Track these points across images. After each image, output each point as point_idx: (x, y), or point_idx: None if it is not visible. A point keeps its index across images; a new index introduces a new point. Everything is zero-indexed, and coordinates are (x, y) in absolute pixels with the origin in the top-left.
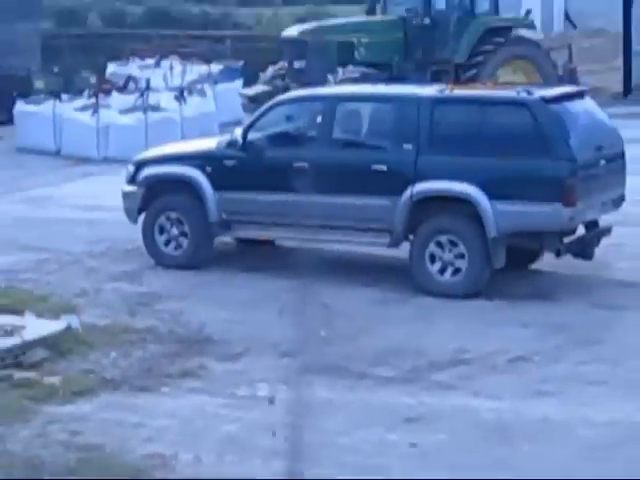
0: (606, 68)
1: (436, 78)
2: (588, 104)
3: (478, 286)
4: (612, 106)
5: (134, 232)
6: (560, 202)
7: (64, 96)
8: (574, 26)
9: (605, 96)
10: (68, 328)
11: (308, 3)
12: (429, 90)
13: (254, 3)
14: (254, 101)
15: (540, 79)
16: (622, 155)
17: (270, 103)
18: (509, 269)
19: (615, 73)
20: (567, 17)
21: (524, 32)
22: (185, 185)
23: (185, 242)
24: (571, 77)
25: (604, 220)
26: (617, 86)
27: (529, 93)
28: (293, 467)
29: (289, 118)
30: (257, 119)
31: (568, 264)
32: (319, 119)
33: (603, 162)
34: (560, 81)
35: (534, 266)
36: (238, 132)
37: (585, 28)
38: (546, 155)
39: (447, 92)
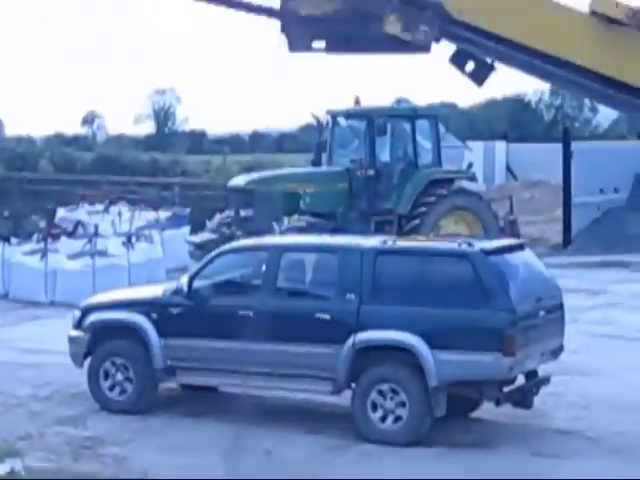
0: (546, 219)
1: (380, 229)
2: (528, 256)
3: (419, 434)
4: (552, 256)
5: (80, 376)
6: (500, 352)
7: (13, 240)
8: (515, 178)
9: (545, 246)
10: (11, 472)
11: (256, 152)
12: (372, 241)
13: (203, 151)
14: (201, 248)
15: (481, 230)
16: (561, 306)
17: (216, 251)
18: (450, 417)
19: (555, 224)
20: (508, 169)
21: (466, 184)
22: (130, 331)
23: (130, 387)
24: (512, 228)
25: (543, 369)
26: (557, 237)
27: (470, 245)
28: None
29: (235, 266)
30: (203, 267)
31: (508, 412)
32: (264, 268)
33: (542, 313)
34: (501, 232)
35: (474, 414)
36: (184, 280)
37: (526, 180)
38: (486, 306)
39: (390, 243)
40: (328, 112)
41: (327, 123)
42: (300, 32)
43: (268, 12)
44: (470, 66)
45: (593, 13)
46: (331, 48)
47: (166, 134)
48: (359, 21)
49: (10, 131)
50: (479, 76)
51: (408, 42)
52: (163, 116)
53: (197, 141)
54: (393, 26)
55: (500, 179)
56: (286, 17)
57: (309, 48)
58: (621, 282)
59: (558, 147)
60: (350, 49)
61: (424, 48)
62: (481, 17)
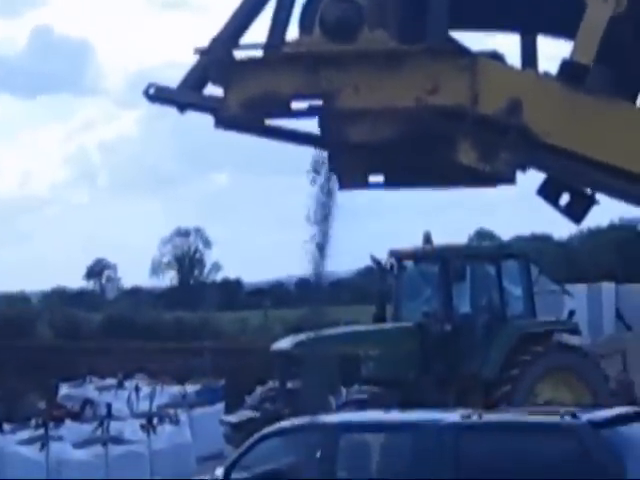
0: None
1: (461, 399)
2: None
3: None
4: None
5: None
6: None
7: (6, 426)
8: (628, 327)
9: None
10: None
11: (304, 305)
12: (453, 415)
13: (238, 306)
14: (239, 430)
15: (589, 396)
16: None
17: (259, 435)
18: None
19: None
20: (619, 316)
21: (567, 338)
22: None
23: None
24: (627, 392)
25: None
26: None
27: (575, 416)
28: None
29: (282, 453)
30: (243, 454)
31: None
32: (318, 454)
33: None
34: (614, 397)
35: None
36: (219, 472)
37: None
38: None
39: (475, 417)
40: (392, 253)
41: (391, 267)
42: (352, 164)
43: (314, 141)
44: (565, 198)
45: None
46: (391, 183)
47: (192, 286)
48: (425, 149)
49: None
50: (576, 211)
51: (487, 173)
52: (188, 264)
53: (231, 294)
54: (467, 155)
55: (609, 329)
56: (335, 147)
57: (365, 184)
58: None
59: None
60: (415, 183)
61: (507, 179)
62: (574, 139)
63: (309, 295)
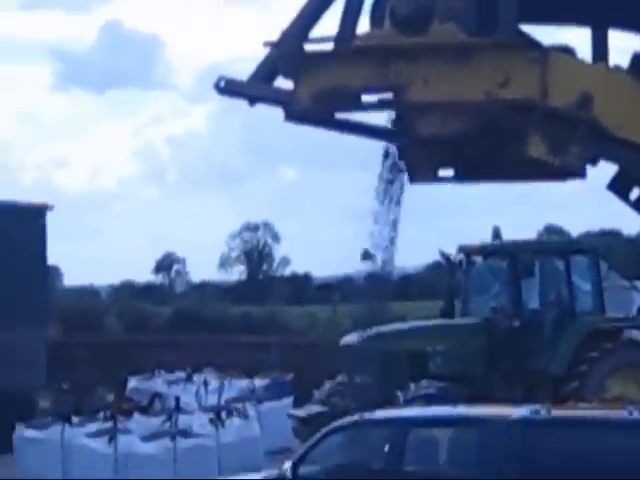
0: None
1: (529, 394)
2: None
3: None
4: None
5: None
6: None
7: (74, 419)
8: None
9: None
10: None
11: (373, 299)
12: (521, 410)
13: (307, 300)
14: (307, 424)
15: None
16: None
17: (327, 429)
18: None
19: None
20: None
21: (636, 334)
22: None
23: None
24: None
25: None
26: None
27: None
28: None
29: (350, 447)
30: (311, 448)
31: None
32: (387, 448)
33: None
34: None
35: None
36: (287, 466)
37: None
38: None
39: (543, 413)
40: (460, 249)
41: (460, 262)
42: (422, 158)
43: (385, 135)
44: (635, 193)
45: None
46: (461, 176)
47: (260, 280)
48: (494, 142)
49: (70, 280)
50: None
51: (556, 166)
52: (256, 258)
53: (300, 288)
54: (537, 148)
55: None
56: (405, 140)
57: (435, 178)
58: None
59: None
60: (484, 177)
61: (577, 173)
62: None
63: (377, 290)
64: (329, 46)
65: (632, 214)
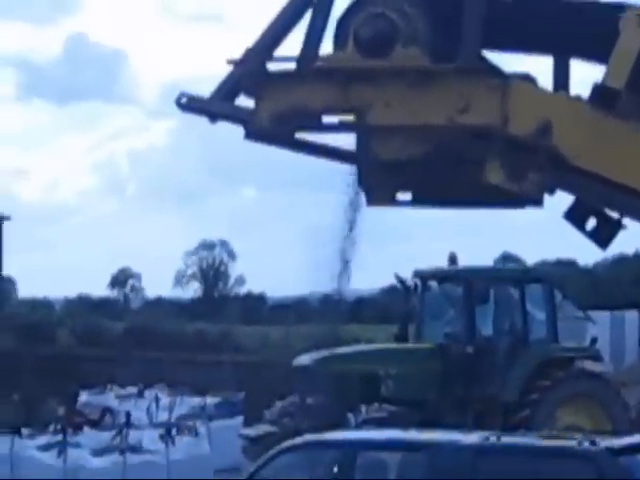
0: None
1: (480, 420)
2: None
3: None
4: None
5: None
6: None
7: (24, 430)
8: None
9: None
10: None
11: (327, 321)
12: (471, 437)
13: (261, 320)
14: (257, 444)
15: (608, 423)
16: None
17: (276, 449)
18: None
19: None
20: None
21: (589, 365)
22: None
23: None
24: None
25: None
26: None
27: (593, 443)
28: None
29: (299, 469)
30: (260, 469)
31: None
32: (335, 471)
33: None
34: (633, 426)
35: None
36: None
37: None
38: None
39: (493, 439)
40: (416, 273)
41: (415, 287)
42: (381, 181)
43: (343, 157)
44: (592, 223)
45: None
46: (419, 201)
47: (215, 299)
48: (454, 167)
49: (24, 292)
50: (603, 236)
51: (515, 193)
52: (212, 276)
53: (254, 307)
54: (496, 174)
55: (631, 358)
56: (364, 163)
57: (393, 201)
58: None
59: None
60: (443, 202)
61: (534, 201)
62: (603, 162)
63: (331, 312)
64: (292, 66)
65: (588, 244)
